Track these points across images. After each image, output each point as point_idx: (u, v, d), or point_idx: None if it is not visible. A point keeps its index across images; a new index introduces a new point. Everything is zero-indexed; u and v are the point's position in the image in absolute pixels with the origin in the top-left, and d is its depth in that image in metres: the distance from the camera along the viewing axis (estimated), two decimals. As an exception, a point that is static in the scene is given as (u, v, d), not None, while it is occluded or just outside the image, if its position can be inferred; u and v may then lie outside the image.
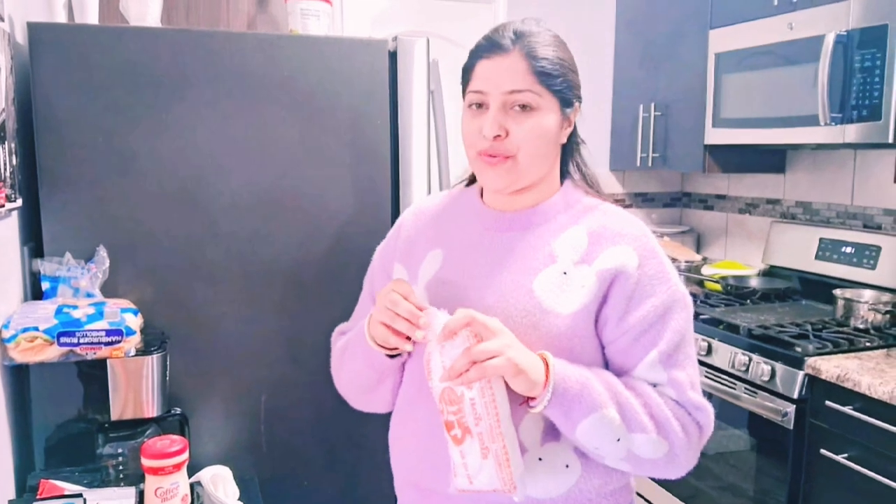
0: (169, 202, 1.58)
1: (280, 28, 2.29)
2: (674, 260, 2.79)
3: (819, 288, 2.58)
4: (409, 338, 1.01)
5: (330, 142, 1.68)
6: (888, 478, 1.77)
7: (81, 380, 1.51)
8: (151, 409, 1.44)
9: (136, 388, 1.41)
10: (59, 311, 1.35)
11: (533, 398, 0.98)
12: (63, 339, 1.32)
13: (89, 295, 1.49)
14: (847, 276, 2.49)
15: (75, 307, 1.38)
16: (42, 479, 1.39)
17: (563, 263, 1.05)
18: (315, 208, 1.69)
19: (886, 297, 2.28)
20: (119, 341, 1.36)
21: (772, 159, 2.87)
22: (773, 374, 2.07)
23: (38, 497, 1.31)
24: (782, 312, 2.49)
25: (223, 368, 1.65)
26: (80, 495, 1.28)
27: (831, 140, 2.17)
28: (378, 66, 1.70)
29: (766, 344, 2.15)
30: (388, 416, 1.22)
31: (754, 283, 2.76)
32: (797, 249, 2.72)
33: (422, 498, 1.13)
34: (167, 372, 1.48)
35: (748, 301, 2.65)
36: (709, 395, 1.09)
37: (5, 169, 1.32)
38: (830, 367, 1.93)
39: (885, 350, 2.08)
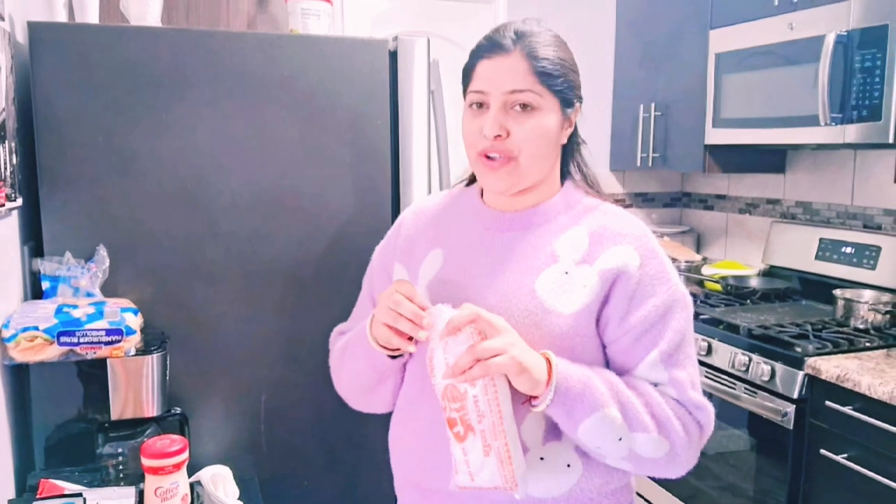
0: (169, 202, 1.57)
1: (280, 28, 2.29)
2: (674, 260, 2.79)
3: (819, 288, 2.58)
4: (411, 338, 1.01)
5: (330, 141, 1.68)
6: (888, 478, 1.77)
7: (81, 379, 1.51)
8: (151, 409, 1.44)
9: (136, 388, 1.41)
10: (59, 311, 1.35)
11: (535, 397, 0.98)
12: (63, 339, 1.32)
13: (89, 294, 1.49)
14: (847, 276, 2.49)
15: (75, 307, 1.38)
16: (42, 478, 1.39)
17: (564, 263, 1.05)
18: (315, 208, 1.69)
19: (886, 297, 2.28)
20: (119, 341, 1.36)
21: (772, 159, 2.87)
22: (772, 374, 2.07)
23: (38, 496, 1.31)
24: (782, 312, 2.49)
25: (223, 368, 1.65)
26: (80, 495, 1.28)
27: (831, 140, 2.17)
28: (378, 65, 1.70)
29: (766, 344, 2.15)
30: (388, 415, 1.22)
31: (754, 283, 2.77)
32: (797, 249, 2.72)
33: (423, 498, 1.13)
34: (167, 371, 1.48)
35: (748, 301, 2.65)
36: (709, 395, 1.09)
37: (5, 168, 1.32)
38: (830, 367, 1.93)
39: (885, 350, 2.08)
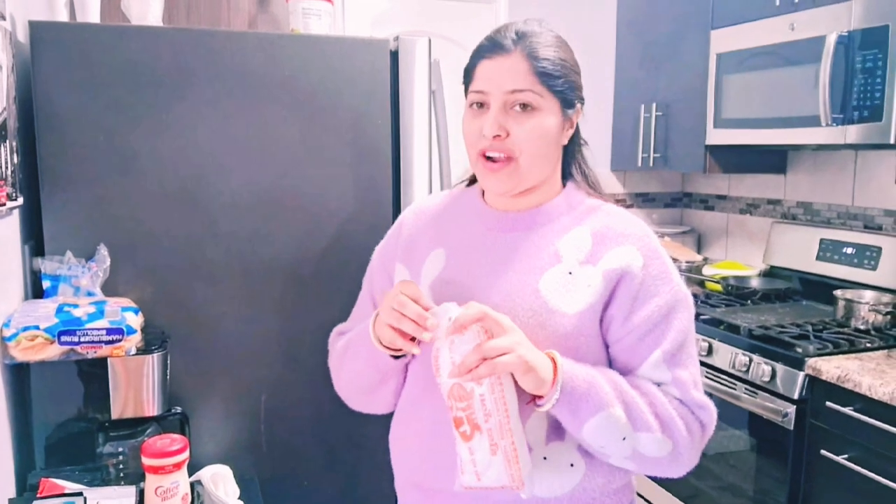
0: (170, 201, 1.57)
1: (281, 27, 2.29)
2: (675, 260, 2.78)
3: (820, 288, 2.58)
4: (413, 339, 1.01)
5: (331, 141, 1.68)
6: (888, 479, 1.77)
7: (82, 378, 1.51)
8: (152, 408, 1.44)
9: (136, 387, 1.41)
10: (59, 310, 1.35)
11: (540, 396, 0.98)
12: (64, 338, 1.32)
13: (90, 294, 1.49)
14: (848, 276, 2.49)
15: (76, 306, 1.38)
16: (42, 477, 1.39)
17: (568, 263, 1.05)
18: (316, 208, 1.69)
19: (887, 297, 2.28)
20: (120, 340, 1.36)
21: (773, 160, 2.87)
22: (773, 374, 2.07)
23: (38, 495, 1.31)
24: (783, 313, 2.49)
25: (223, 368, 1.65)
26: (80, 494, 1.28)
27: (832, 141, 2.17)
28: (379, 65, 1.70)
29: (767, 344, 2.15)
30: (388, 415, 1.22)
31: (755, 283, 2.76)
32: (798, 250, 2.71)
33: (424, 498, 1.13)
34: (168, 371, 1.48)
35: (749, 301, 2.65)
36: (709, 396, 1.09)
37: (6, 167, 1.32)
38: (831, 367, 1.93)
39: (885, 351, 2.08)
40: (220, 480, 1.46)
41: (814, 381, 1.98)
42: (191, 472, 1.36)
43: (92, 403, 1.51)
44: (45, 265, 1.48)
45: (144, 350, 1.42)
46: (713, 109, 2.65)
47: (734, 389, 2.20)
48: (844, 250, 2.53)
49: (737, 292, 2.72)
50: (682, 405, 1.05)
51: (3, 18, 1.33)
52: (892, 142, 2.00)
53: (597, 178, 1.17)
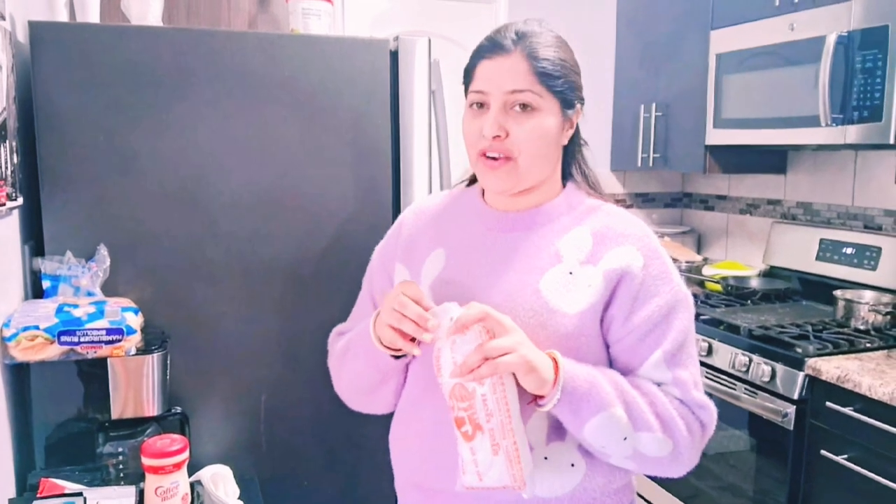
0: (170, 201, 1.57)
1: (281, 27, 2.29)
2: (675, 260, 2.79)
3: (819, 289, 2.58)
4: (413, 339, 1.01)
5: (331, 141, 1.68)
6: (888, 479, 1.77)
7: (82, 379, 1.51)
8: (152, 408, 1.44)
9: (136, 387, 1.41)
10: (59, 310, 1.35)
11: (541, 397, 0.98)
12: (63, 338, 1.32)
13: (90, 294, 1.49)
14: (847, 276, 2.49)
15: (76, 306, 1.38)
16: (42, 477, 1.39)
17: (568, 263, 1.05)
18: (316, 208, 1.69)
19: (887, 298, 2.28)
20: (120, 340, 1.36)
21: (773, 160, 2.87)
22: (773, 374, 2.07)
23: (38, 495, 1.31)
24: (783, 313, 2.49)
25: (223, 368, 1.65)
26: (80, 494, 1.28)
27: (832, 141, 2.17)
28: (379, 65, 1.70)
29: (767, 344, 2.15)
30: (388, 415, 1.22)
31: (755, 283, 2.76)
32: (798, 250, 2.72)
33: (425, 498, 1.13)
34: (167, 371, 1.48)
35: (749, 301, 2.65)
36: (709, 396, 1.10)
37: (6, 168, 1.32)
38: (831, 367, 1.93)
39: (885, 351, 2.08)
40: (220, 480, 1.46)
41: (814, 382, 1.98)
42: (191, 472, 1.36)
43: (92, 403, 1.51)
44: (45, 265, 1.48)
45: (144, 350, 1.42)
46: (713, 109, 2.65)
47: (734, 389, 2.20)
48: (844, 250, 2.53)
49: (737, 292, 2.72)
50: (683, 405, 1.05)
51: (3, 18, 1.33)
52: (891, 142, 2.00)
53: (597, 179, 1.17)
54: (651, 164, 3.02)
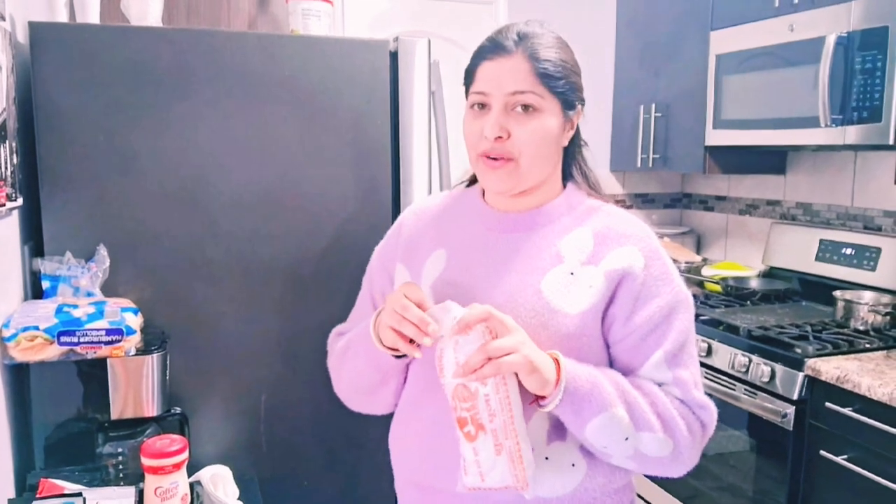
0: (170, 201, 1.57)
1: (281, 28, 2.29)
2: (674, 261, 2.79)
3: (819, 289, 2.58)
4: (413, 341, 1.00)
5: (331, 141, 1.68)
6: (888, 479, 1.77)
7: (81, 379, 1.51)
8: (151, 409, 1.44)
9: (136, 388, 1.41)
10: (59, 311, 1.35)
11: (543, 397, 0.98)
12: (63, 339, 1.32)
13: (89, 294, 1.49)
14: (847, 277, 2.49)
15: (75, 306, 1.38)
16: (42, 477, 1.39)
17: (570, 264, 1.06)
18: (316, 208, 1.69)
19: (886, 298, 2.28)
20: (119, 340, 1.36)
21: (772, 160, 2.87)
22: (772, 375, 2.07)
23: (37, 496, 1.31)
24: (782, 314, 2.50)
25: (223, 368, 1.65)
26: (79, 494, 1.28)
27: (832, 142, 2.17)
28: (379, 66, 1.70)
29: (766, 345, 2.15)
30: (388, 416, 1.22)
31: (754, 284, 2.77)
32: (797, 251, 2.72)
33: (425, 498, 1.13)
34: (167, 371, 1.48)
35: (748, 302, 2.65)
36: (708, 396, 1.10)
37: (6, 168, 1.32)
38: (830, 368, 1.93)
39: (884, 351, 2.08)
40: (220, 481, 1.46)
41: (813, 382, 1.98)
42: (190, 472, 1.36)
43: (91, 404, 1.51)
44: (45, 265, 1.48)
45: (144, 350, 1.42)
46: (713, 110, 2.65)
47: (733, 390, 2.21)
48: (844, 251, 2.53)
49: (736, 293, 2.72)
50: (684, 405, 1.05)
51: (3, 19, 1.33)
52: (891, 142, 2.00)
53: (597, 179, 1.17)
54: (651, 164, 3.03)
